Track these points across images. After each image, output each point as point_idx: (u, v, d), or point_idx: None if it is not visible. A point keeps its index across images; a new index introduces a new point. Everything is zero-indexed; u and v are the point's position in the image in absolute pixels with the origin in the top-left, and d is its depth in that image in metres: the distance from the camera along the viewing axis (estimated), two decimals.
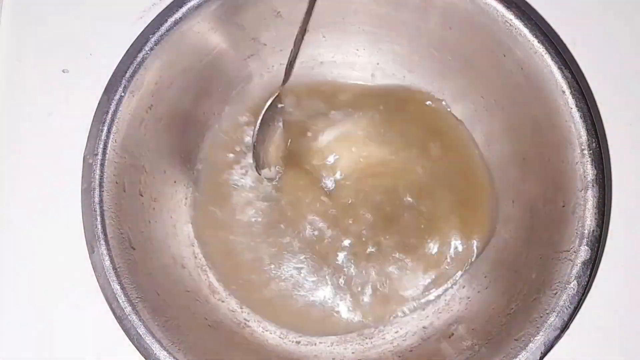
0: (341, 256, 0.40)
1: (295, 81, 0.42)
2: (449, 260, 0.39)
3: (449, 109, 0.42)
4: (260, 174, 0.41)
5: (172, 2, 0.35)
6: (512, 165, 0.39)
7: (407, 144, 0.41)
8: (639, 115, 0.40)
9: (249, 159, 0.42)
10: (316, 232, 0.40)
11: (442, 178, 0.40)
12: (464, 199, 0.40)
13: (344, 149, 0.41)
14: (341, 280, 0.40)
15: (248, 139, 0.42)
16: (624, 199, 0.39)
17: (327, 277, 0.40)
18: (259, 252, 0.40)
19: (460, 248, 0.39)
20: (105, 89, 0.35)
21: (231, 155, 0.42)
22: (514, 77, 0.36)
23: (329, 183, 0.41)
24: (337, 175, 0.41)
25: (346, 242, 0.40)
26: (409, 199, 0.40)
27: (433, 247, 0.39)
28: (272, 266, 0.40)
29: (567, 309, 0.32)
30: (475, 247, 0.39)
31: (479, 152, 0.41)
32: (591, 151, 0.33)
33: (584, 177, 0.33)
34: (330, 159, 0.41)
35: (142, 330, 0.32)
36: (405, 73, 0.42)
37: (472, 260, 0.39)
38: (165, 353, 0.32)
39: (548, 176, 0.35)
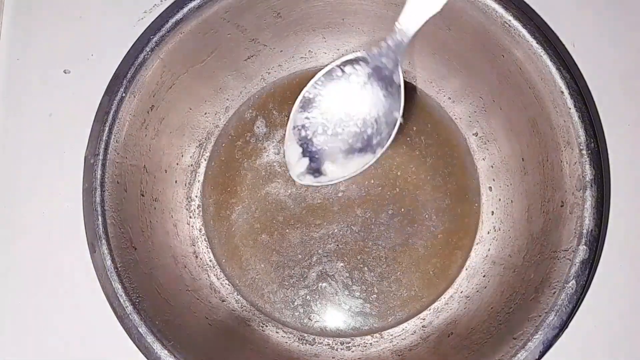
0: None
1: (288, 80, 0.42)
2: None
3: (448, 111, 0.42)
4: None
5: (173, 3, 0.35)
6: (511, 165, 0.39)
7: (407, 148, 0.41)
8: (637, 115, 0.40)
9: (262, 146, 0.42)
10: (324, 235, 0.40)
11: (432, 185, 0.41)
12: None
13: None
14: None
15: (257, 130, 0.42)
16: (622, 199, 0.39)
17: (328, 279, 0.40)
18: (268, 249, 0.41)
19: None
20: (107, 89, 0.35)
21: (243, 147, 0.42)
22: (512, 77, 0.36)
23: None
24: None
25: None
26: (391, 211, 0.40)
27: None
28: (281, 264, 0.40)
29: (565, 308, 0.32)
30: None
31: (471, 159, 0.41)
32: (589, 151, 0.33)
33: (583, 177, 0.33)
34: None
35: (143, 329, 0.32)
36: (404, 74, 0.42)
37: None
38: (166, 352, 0.32)
39: (547, 176, 0.36)
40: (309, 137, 0.26)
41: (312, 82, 0.26)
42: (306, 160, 0.27)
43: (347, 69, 0.25)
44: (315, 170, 0.27)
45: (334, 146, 0.26)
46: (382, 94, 0.26)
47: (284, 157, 0.28)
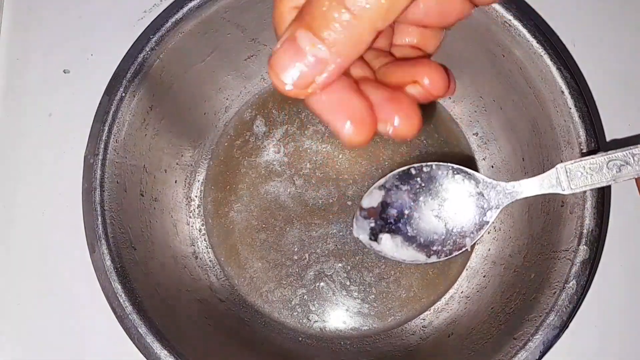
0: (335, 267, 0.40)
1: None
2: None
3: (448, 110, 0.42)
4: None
5: (172, 3, 0.35)
6: (511, 165, 0.39)
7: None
8: (637, 115, 0.40)
9: (261, 145, 0.42)
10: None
11: None
12: None
13: (341, 150, 0.41)
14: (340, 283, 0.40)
15: (256, 129, 0.42)
16: (622, 199, 0.39)
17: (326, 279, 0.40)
18: (267, 247, 0.41)
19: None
20: (106, 89, 0.35)
21: (242, 146, 0.42)
22: (512, 77, 0.36)
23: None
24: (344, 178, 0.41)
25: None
26: None
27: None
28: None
29: (566, 308, 0.32)
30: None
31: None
32: (590, 151, 0.33)
33: None
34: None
35: (142, 329, 0.32)
36: None
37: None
38: (165, 352, 0.32)
39: None
40: (388, 202, 0.26)
41: (424, 164, 0.26)
42: (372, 221, 0.27)
43: (458, 176, 0.26)
44: (372, 232, 0.27)
45: (402, 227, 0.26)
46: (469, 218, 0.26)
47: (365, 197, 0.27)
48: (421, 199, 0.26)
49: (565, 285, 0.32)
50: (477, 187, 0.26)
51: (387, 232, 0.26)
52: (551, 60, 0.33)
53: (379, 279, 0.40)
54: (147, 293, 0.34)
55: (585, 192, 0.32)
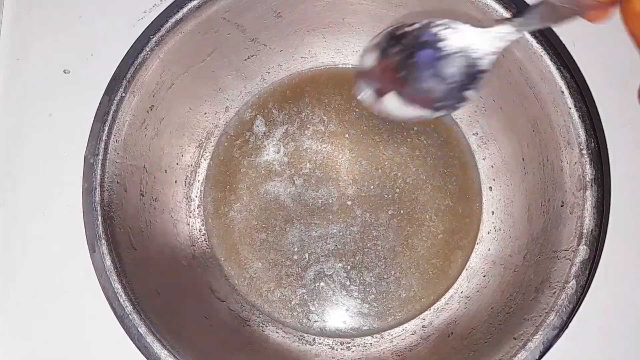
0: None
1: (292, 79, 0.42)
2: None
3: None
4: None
5: (172, 3, 0.35)
6: (511, 165, 0.39)
7: (402, 143, 0.41)
8: (637, 115, 0.40)
9: (261, 145, 0.42)
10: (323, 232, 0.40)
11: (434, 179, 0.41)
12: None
13: (341, 150, 0.41)
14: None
15: (256, 129, 0.42)
16: (622, 199, 0.39)
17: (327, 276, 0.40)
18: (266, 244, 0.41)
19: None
20: (107, 89, 0.35)
21: (242, 146, 0.42)
22: (512, 77, 0.36)
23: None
24: (343, 177, 0.41)
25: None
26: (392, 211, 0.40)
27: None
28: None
29: (566, 308, 0.32)
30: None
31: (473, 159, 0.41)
32: (590, 151, 0.33)
33: (583, 176, 0.33)
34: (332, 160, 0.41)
35: (142, 329, 0.32)
36: None
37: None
38: (165, 352, 0.32)
39: (547, 176, 0.35)
40: (385, 63, 0.26)
41: (414, 25, 0.26)
42: (371, 82, 0.26)
43: (447, 31, 0.26)
44: (377, 91, 0.26)
45: (402, 86, 0.26)
46: (465, 70, 0.26)
47: (361, 57, 0.26)
48: (416, 58, 0.26)
49: (565, 285, 0.32)
50: (465, 38, 0.26)
51: (388, 91, 0.26)
52: (551, 60, 0.33)
53: (379, 278, 0.40)
54: (147, 293, 0.34)
55: (585, 192, 0.32)
